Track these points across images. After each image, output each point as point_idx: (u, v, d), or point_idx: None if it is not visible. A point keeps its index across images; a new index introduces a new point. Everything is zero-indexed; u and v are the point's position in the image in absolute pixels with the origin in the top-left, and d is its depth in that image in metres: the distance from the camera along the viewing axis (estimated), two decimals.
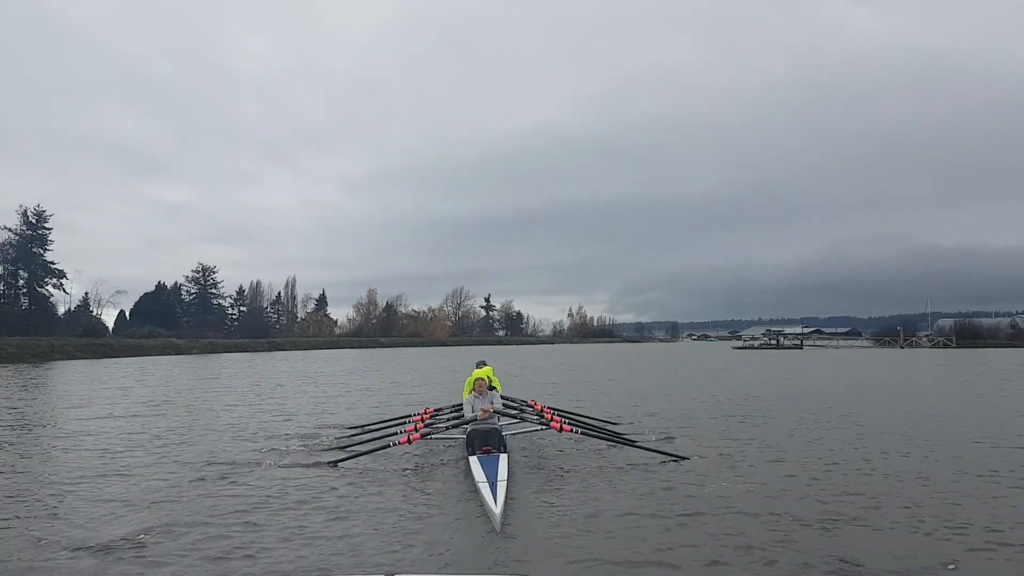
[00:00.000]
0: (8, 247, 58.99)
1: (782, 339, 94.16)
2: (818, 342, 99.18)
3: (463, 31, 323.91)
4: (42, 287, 61.04)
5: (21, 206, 59.64)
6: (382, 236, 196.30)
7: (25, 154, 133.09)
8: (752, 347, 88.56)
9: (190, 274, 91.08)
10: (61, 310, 64.89)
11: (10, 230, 59.18)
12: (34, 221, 59.90)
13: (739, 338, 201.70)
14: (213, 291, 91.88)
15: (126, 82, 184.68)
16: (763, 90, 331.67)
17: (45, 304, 61.37)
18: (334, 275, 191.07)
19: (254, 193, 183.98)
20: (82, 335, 60.62)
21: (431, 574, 4.96)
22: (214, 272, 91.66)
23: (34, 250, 59.85)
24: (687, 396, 20.05)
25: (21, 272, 59.77)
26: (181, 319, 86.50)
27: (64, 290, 62.17)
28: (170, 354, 63.54)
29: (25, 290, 60.34)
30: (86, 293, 72.72)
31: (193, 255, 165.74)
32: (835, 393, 21.80)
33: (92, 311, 70.07)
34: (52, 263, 61.16)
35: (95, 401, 18.32)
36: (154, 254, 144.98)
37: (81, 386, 24.91)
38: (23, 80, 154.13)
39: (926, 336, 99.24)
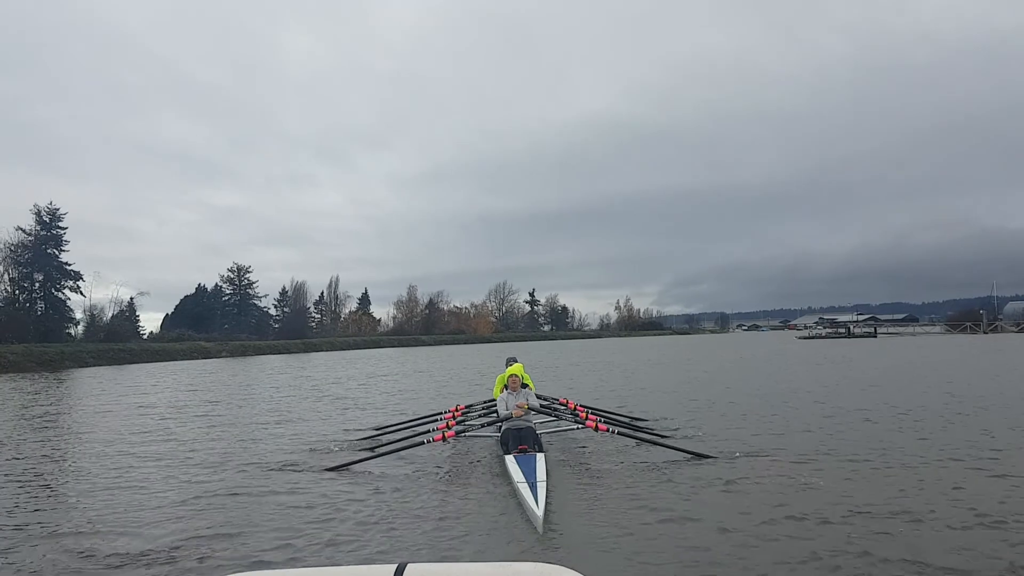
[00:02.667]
0: (21, 249, 53.34)
1: (852, 327, 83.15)
2: (891, 329, 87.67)
3: (513, 23, 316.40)
4: (58, 290, 55.33)
5: (35, 205, 54.15)
6: (431, 234, 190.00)
7: (82, 162, 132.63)
8: (819, 336, 77.99)
9: (225, 274, 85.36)
10: (83, 314, 59.25)
11: (23, 231, 53.63)
12: (48, 220, 54.26)
13: (792, 327, 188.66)
14: (249, 291, 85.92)
15: (178, 88, 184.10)
16: (822, 72, 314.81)
17: (62, 308, 55.69)
18: (383, 274, 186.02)
19: (306, 194, 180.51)
20: (104, 340, 55.05)
21: (444, 562, 4.38)
22: (249, 271, 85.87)
23: (49, 251, 54.18)
24: (841, 418, 11.58)
25: (36, 275, 54.06)
26: (221, 321, 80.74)
27: (81, 293, 56.29)
28: (197, 358, 58.15)
29: (41, 294, 54.61)
30: (131, 298, 68.67)
31: (247, 258, 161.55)
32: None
33: (120, 315, 64.72)
34: (68, 264, 55.46)
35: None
36: (210, 258, 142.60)
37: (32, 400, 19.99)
38: (77, 90, 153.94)
39: (1001, 319, 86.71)
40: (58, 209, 54.41)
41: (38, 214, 53.96)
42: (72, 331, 57.10)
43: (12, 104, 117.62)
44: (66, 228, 55.06)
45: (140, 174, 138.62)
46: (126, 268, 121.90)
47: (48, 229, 54.32)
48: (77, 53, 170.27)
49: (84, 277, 56.36)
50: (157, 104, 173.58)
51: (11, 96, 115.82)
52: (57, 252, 54.78)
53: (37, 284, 54.38)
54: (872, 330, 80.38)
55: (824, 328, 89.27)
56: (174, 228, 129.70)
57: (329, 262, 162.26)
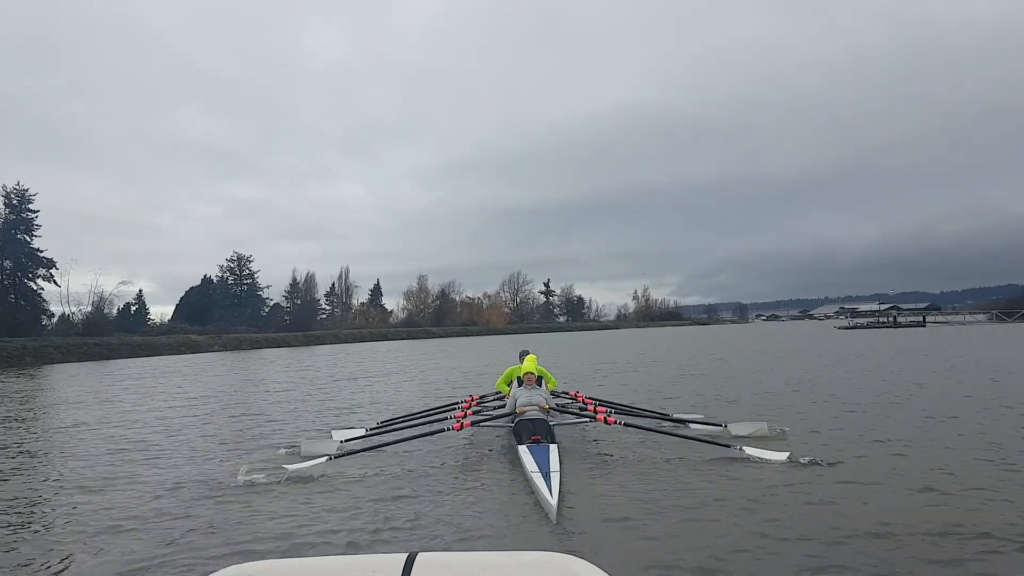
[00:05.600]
0: None
1: (896, 316, 75.03)
2: (938, 319, 79.39)
3: (537, 13, 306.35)
4: (31, 279, 48.89)
5: (3, 187, 47.70)
6: (451, 227, 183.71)
7: (102, 159, 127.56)
8: (861, 327, 70.00)
9: (224, 263, 78.67)
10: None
11: None
12: (17, 203, 47.81)
13: (813, 317, 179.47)
14: (248, 281, 79.19)
15: (201, 85, 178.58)
16: (859, 59, 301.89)
17: (35, 299, 49.25)
18: (403, 266, 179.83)
19: (329, 188, 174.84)
20: (83, 334, 48.63)
21: (455, 552, 3.87)
22: (250, 261, 79.14)
23: (18, 236, 47.75)
24: None
25: (5, 262, 47.64)
26: (226, 313, 74.20)
27: (55, 282, 49.81)
28: (186, 352, 51.68)
29: (10, 283, 48.20)
30: (140, 290, 65.37)
31: (268, 251, 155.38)
32: None
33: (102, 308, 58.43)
34: (40, 251, 48.99)
35: None
36: (230, 251, 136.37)
37: None
38: (100, 87, 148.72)
39: None
40: (27, 190, 48.13)
41: (6, 196, 47.63)
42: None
43: (36, 102, 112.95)
44: (38, 211, 48.89)
45: (162, 169, 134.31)
46: (147, 262, 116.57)
47: (17, 212, 47.97)
48: (100, 51, 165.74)
49: (58, 265, 49.99)
50: (180, 100, 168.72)
51: (35, 94, 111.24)
52: (28, 238, 48.44)
53: (6, 272, 47.99)
54: (921, 319, 72.16)
55: (863, 317, 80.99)
56: (196, 222, 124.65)
57: (349, 255, 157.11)
